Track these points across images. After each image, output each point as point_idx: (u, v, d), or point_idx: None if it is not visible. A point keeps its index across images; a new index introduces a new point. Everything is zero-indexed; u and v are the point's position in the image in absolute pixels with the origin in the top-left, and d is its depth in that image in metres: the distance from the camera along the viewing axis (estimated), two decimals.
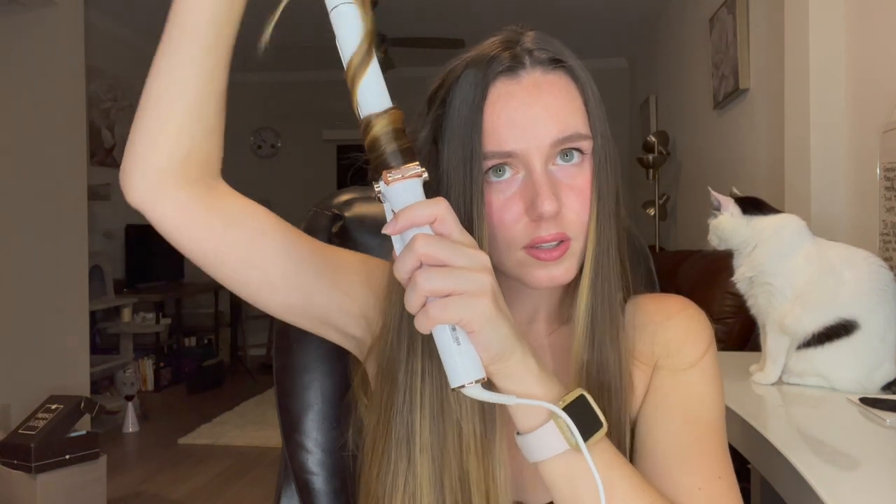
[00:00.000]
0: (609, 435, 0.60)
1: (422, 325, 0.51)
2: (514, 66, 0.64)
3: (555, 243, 0.63)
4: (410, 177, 0.53)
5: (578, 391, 0.58)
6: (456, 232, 0.53)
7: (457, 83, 0.64)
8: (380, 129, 0.53)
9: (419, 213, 0.52)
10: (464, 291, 0.51)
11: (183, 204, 0.61)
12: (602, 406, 0.60)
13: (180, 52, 0.59)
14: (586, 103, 0.66)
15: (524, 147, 0.62)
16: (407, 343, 0.62)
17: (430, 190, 0.61)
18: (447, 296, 0.51)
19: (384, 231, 0.53)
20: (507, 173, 0.63)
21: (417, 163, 0.53)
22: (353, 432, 0.73)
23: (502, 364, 0.54)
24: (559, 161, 0.64)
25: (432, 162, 0.64)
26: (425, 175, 0.53)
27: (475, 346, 0.52)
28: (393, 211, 0.53)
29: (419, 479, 0.61)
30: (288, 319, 0.70)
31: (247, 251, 0.64)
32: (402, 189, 0.53)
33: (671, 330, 0.72)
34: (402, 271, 0.51)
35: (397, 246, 0.54)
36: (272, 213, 0.67)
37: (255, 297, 0.67)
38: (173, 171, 0.60)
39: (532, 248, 0.63)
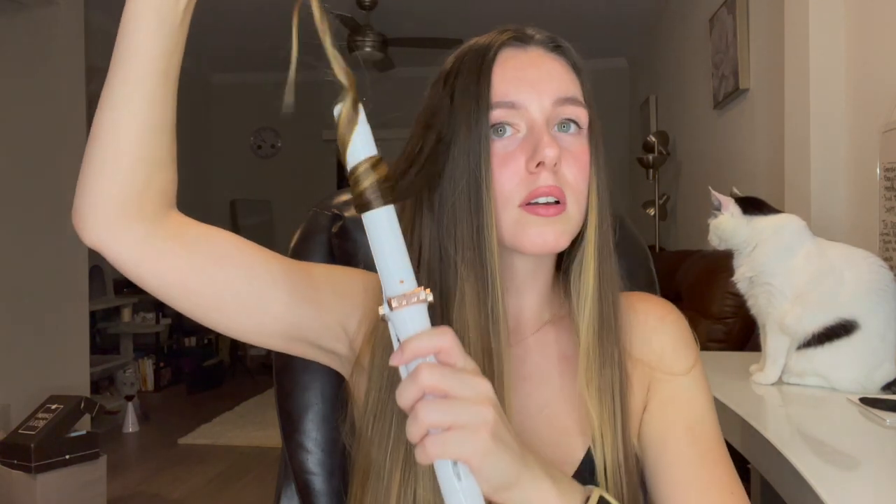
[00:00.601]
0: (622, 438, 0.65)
1: (421, 459, 0.51)
2: (520, 38, 0.69)
3: (552, 199, 0.64)
4: (415, 303, 0.52)
5: (596, 494, 0.58)
6: (460, 360, 0.52)
7: (468, 54, 0.68)
8: (367, 181, 0.52)
9: (425, 346, 0.51)
10: (463, 426, 0.50)
11: (143, 238, 0.60)
12: (610, 393, 0.65)
13: (133, 81, 0.57)
14: (582, 86, 0.69)
15: (527, 100, 0.65)
16: None
17: (442, 147, 0.65)
18: (448, 428, 0.50)
19: (391, 363, 0.52)
20: (508, 132, 0.65)
21: (423, 287, 0.53)
22: (347, 429, 0.72)
23: (509, 493, 0.54)
24: (557, 130, 0.67)
25: (446, 126, 0.66)
26: (429, 297, 0.53)
27: (477, 479, 0.52)
28: (398, 338, 0.53)
29: None
30: (266, 344, 0.69)
31: (213, 275, 0.63)
32: (407, 315, 0.52)
33: (666, 334, 0.73)
34: (404, 400, 0.51)
35: (402, 371, 0.53)
36: (234, 234, 0.66)
37: (228, 324, 0.66)
38: (131, 204, 0.59)
39: (529, 204, 0.64)
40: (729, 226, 1.34)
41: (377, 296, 0.68)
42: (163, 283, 0.62)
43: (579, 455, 0.67)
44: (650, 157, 4.28)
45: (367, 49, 4.42)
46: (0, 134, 3.44)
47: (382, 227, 0.52)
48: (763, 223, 1.32)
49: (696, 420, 0.70)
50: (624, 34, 5.37)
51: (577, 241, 0.69)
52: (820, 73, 1.91)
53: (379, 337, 0.66)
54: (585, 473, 0.66)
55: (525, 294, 0.72)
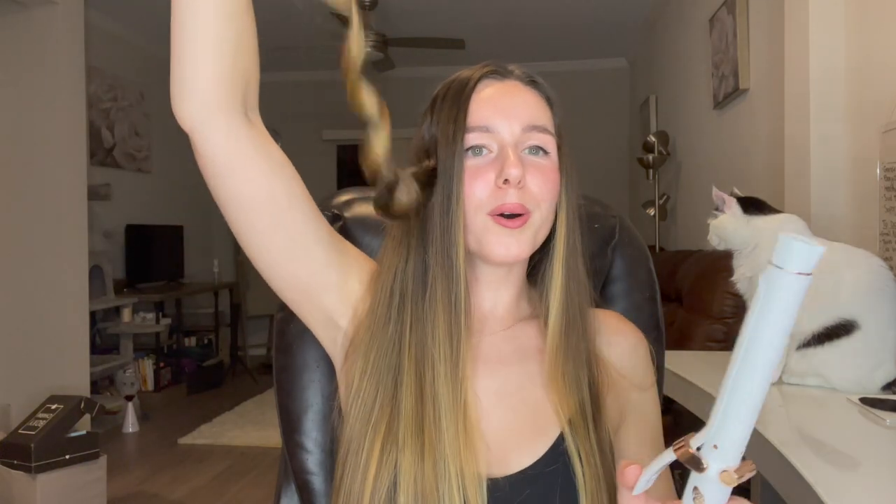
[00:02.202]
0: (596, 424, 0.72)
1: None
2: (500, 71, 0.77)
3: (517, 212, 0.71)
4: (737, 481, 0.50)
5: None
6: None
7: (452, 84, 0.76)
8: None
9: None
10: None
11: (233, 134, 0.64)
12: (577, 385, 0.72)
13: None
14: (553, 117, 0.76)
15: (499, 125, 0.73)
16: (399, 299, 0.72)
17: (427, 168, 0.72)
18: None
19: None
20: (483, 152, 0.73)
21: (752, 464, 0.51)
22: (335, 413, 0.77)
23: None
24: (527, 153, 0.73)
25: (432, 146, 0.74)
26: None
27: None
28: (704, 495, 0.50)
29: (403, 403, 0.68)
30: (282, 290, 0.74)
31: (281, 205, 0.68)
32: (727, 490, 0.50)
33: (641, 355, 0.81)
34: None
35: None
36: (298, 175, 0.72)
37: (263, 256, 0.71)
38: (220, 85, 0.63)
39: (496, 215, 0.71)
40: (729, 225, 1.34)
41: (377, 280, 0.74)
42: (238, 191, 0.67)
43: (553, 434, 0.72)
44: (650, 157, 4.27)
45: (367, 49, 4.41)
46: (0, 134, 3.44)
47: (752, 403, 0.48)
48: (763, 223, 1.32)
49: (658, 432, 0.80)
50: (624, 34, 5.36)
51: (545, 253, 0.77)
52: (820, 73, 1.91)
53: (370, 317, 0.73)
54: (561, 448, 0.71)
55: (497, 295, 0.78)
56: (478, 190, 0.71)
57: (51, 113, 3.46)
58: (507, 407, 0.74)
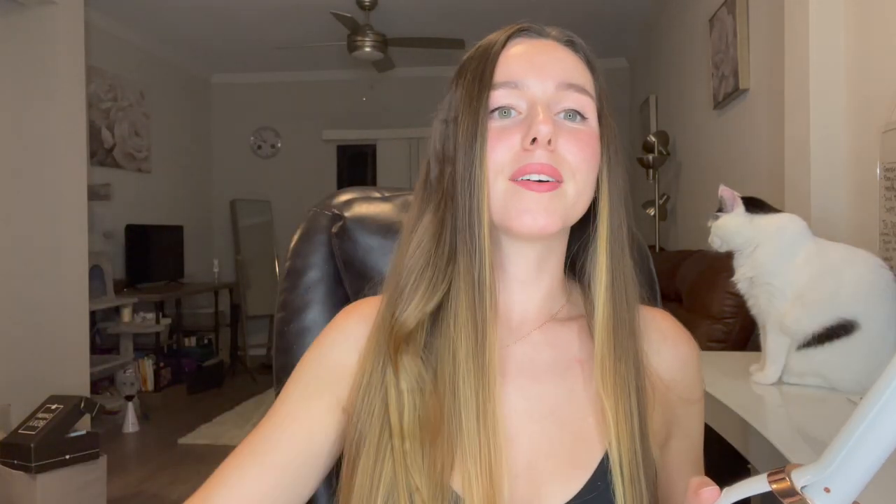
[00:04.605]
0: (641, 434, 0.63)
1: None
2: (535, 29, 0.69)
3: (545, 178, 0.61)
4: None
5: None
6: None
7: (483, 43, 0.68)
8: None
9: None
10: None
11: None
12: (626, 392, 0.62)
13: None
14: (595, 81, 0.68)
15: (530, 81, 0.64)
16: None
17: (447, 127, 0.65)
18: None
19: None
20: (511, 115, 0.64)
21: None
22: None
23: None
24: (562, 117, 0.64)
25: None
26: None
27: None
28: None
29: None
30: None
31: None
32: None
33: (693, 366, 0.71)
34: None
35: None
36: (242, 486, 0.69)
37: None
38: None
39: (519, 179, 0.61)
40: (732, 226, 1.33)
41: (368, 328, 0.67)
42: None
43: (595, 459, 0.63)
44: (650, 157, 4.27)
45: (367, 49, 4.42)
46: (0, 134, 3.44)
47: (882, 452, 0.44)
48: (765, 222, 1.32)
49: (700, 449, 0.72)
50: (624, 34, 5.37)
51: (586, 238, 0.67)
52: (820, 73, 1.91)
53: (371, 335, 0.66)
54: (598, 481, 0.62)
55: (529, 287, 0.68)
56: (500, 154, 0.62)
57: (51, 113, 3.46)
58: (540, 431, 0.63)
